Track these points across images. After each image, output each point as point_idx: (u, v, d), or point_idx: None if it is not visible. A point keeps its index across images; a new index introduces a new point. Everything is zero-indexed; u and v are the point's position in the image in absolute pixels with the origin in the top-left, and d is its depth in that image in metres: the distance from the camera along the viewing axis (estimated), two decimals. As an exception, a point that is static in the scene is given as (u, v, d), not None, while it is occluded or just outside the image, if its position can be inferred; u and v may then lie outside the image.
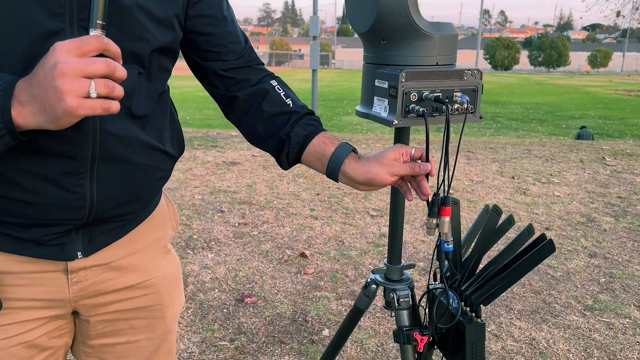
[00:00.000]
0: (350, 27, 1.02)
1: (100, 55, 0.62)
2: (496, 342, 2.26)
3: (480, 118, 0.96)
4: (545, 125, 13.84)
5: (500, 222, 1.11)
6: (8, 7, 0.65)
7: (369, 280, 1.16)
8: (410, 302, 1.11)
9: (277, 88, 0.95)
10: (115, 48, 0.63)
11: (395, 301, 1.09)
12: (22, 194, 0.73)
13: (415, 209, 3.91)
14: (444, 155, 0.90)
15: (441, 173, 0.93)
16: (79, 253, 0.81)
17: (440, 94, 0.92)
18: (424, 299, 1.14)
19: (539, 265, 3.05)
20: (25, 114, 0.61)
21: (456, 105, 0.93)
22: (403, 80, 0.90)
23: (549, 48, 41.78)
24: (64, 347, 0.90)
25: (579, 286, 2.80)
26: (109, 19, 0.65)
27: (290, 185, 4.39)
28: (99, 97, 0.61)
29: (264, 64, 0.98)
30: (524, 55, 42.69)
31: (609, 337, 2.33)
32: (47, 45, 0.62)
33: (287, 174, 4.73)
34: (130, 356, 0.92)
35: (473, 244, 1.14)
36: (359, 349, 2.17)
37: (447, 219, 0.91)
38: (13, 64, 0.67)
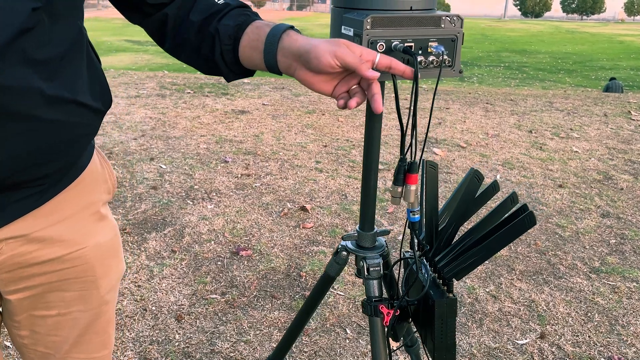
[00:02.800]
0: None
1: None
2: (493, 303, 2.20)
3: (460, 72, 0.85)
4: (574, 76, 13.32)
5: (483, 188, 1.01)
6: None
7: (339, 246, 1.08)
8: (382, 272, 1.03)
9: None
10: None
11: (365, 270, 1.02)
12: None
13: (424, 162, 3.80)
14: (411, 115, 0.80)
15: (409, 135, 0.82)
16: None
17: (412, 44, 0.80)
18: (397, 268, 1.07)
19: (546, 224, 2.96)
20: None
21: (431, 58, 0.81)
22: (368, 27, 0.78)
23: (584, -7, 39.64)
24: None
25: (587, 247, 2.70)
26: None
27: (298, 136, 4.29)
28: None
29: None
30: (556, 1, 40.65)
31: (613, 302, 2.25)
32: None
33: (297, 123, 4.62)
34: (64, 328, 0.86)
35: (454, 208, 1.05)
36: (350, 306, 2.13)
37: (413, 187, 0.81)
38: None
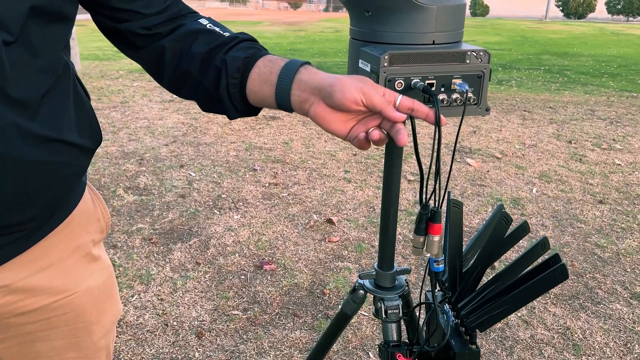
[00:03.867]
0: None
1: None
2: (525, 329, 2.10)
3: (487, 110, 0.78)
4: (618, 80, 12.81)
5: (512, 229, 0.94)
6: None
7: (356, 284, 1.03)
8: (401, 314, 0.97)
9: (209, 26, 0.76)
10: None
11: (383, 312, 0.96)
12: None
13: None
14: (434, 159, 0.74)
15: (431, 180, 0.76)
16: None
17: (434, 82, 0.74)
18: (419, 312, 1.00)
19: (584, 244, 2.82)
20: None
21: (455, 96, 0.75)
22: (386, 64, 0.72)
23: (630, -7, 38.13)
24: None
25: (629, 270, 2.56)
26: None
27: (327, 144, 4.24)
28: None
29: (197, 12, 0.79)
30: (601, 2, 39.31)
31: (655, 332, 2.11)
32: None
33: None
34: None
35: (479, 250, 0.98)
36: (374, 328, 2.07)
37: (436, 238, 0.75)
38: None
